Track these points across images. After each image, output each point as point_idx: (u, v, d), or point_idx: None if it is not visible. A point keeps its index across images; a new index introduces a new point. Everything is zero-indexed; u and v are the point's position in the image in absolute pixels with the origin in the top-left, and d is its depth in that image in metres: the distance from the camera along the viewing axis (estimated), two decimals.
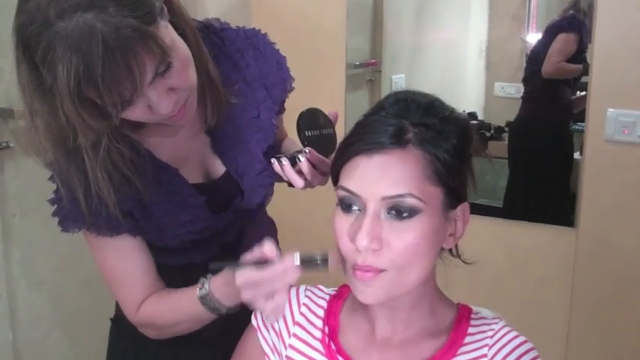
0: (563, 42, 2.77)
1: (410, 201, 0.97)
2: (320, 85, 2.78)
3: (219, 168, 1.36)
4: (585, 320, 2.51)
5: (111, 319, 1.50)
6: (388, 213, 0.98)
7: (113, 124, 1.09)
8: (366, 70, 3.08)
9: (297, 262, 1.07)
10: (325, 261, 1.07)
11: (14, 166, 2.03)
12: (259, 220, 1.47)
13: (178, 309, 1.27)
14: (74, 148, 1.14)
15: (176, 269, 1.34)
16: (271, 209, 1.54)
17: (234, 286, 1.12)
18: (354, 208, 1.01)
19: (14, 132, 2.00)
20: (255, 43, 1.40)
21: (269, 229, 1.52)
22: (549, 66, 2.81)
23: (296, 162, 1.24)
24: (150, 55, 1.02)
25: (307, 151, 1.24)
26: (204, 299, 1.22)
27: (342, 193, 1.02)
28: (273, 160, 1.26)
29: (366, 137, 1.00)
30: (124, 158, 1.18)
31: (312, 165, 1.24)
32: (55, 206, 1.25)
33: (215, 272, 1.20)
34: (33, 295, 2.15)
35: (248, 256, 1.11)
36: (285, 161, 1.24)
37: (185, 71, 1.13)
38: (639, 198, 2.35)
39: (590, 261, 2.46)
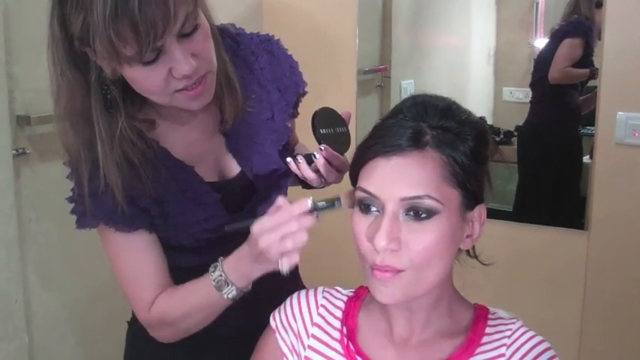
0: (569, 47, 2.78)
1: (428, 202, 0.99)
2: (331, 91, 2.79)
3: (233, 168, 1.38)
4: (598, 322, 2.51)
5: (128, 322, 1.51)
6: (406, 214, 1.00)
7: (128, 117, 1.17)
8: (375, 75, 3.09)
9: (310, 204, 1.08)
10: (337, 200, 1.08)
11: (30, 172, 2.05)
12: None
13: (191, 298, 1.27)
14: (90, 139, 1.19)
15: (189, 271, 1.34)
16: None
17: (247, 258, 1.14)
18: (373, 209, 1.03)
19: (30, 138, 2.02)
20: (269, 47, 1.43)
21: None
22: (555, 71, 2.81)
23: (312, 160, 1.26)
24: (179, 1, 1.07)
25: (323, 147, 1.26)
26: (217, 281, 1.21)
27: (361, 194, 1.03)
28: (289, 159, 1.28)
29: (385, 140, 1.02)
30: (134, 146, 1.21)
31: (328, 162, 1.27)
32: (73, 204, 1.28)
33: (231, 233, 1.20)
34: (49, 300, 2.17)
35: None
36: (301, 159, 1.26)
37: (207, 42, 1.17)
38: None
39: (602, 263, 2.47)
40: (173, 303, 1.29)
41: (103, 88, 1.17)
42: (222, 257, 1.22)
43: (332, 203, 1.09)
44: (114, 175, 1.19)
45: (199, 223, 1.31)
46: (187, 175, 1.31)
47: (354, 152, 1.09)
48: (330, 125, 1.31)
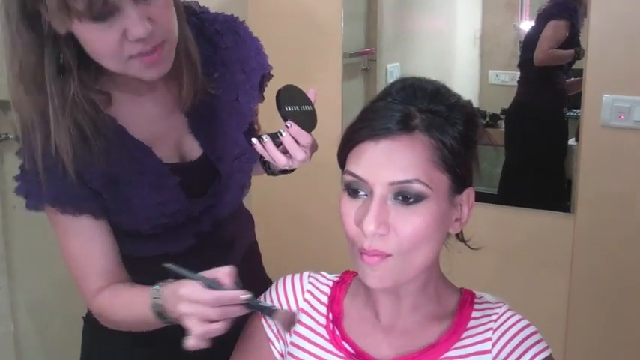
0: (554, 29, 2.78)
1: (417, 187, 0.98)
2: (316, 75, 2.77)
3: (195, 150, 1.35)
4: (584, 304, 2.52)
5: (84, 317, 1.46)
6: (395, 199, 0.99)
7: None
8: (361, 59, 3.07)
9: (244, 299, 1.04)
10: (272, 310, 1.07)
11: (14, 158, 2.01)
12: (236, 213, 1.46)
13: (129, 309, 1.22)
14: (43, 106, 1.16)
15: (152, 261, 1.27)
16: (253, 205, 1.53)
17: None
18: (361, 193, 1.02)
19: (14, 123, 1.99)
20: (234, 27, 1.40)
21: (246, 222, 1.51)
22: (540, 53, 2.81)
23: (277, 139, 1.21)
24: None
25: (289, 125, 1.21)
26: (154, 304, 1.15)
27: (349, 178, 1.03)
28: (254, 140, 1.22)
29: (373, 123, 1.01)
30: (86, 116, 1.18)
31: (295, 140, 1.21)
32: (19, 183, 1.25)
33: (169, 272, 1.14)
34: (34, 286, 2.15)
35: (206, 272, 1.07)
36: (266, 139, 1.20)
37: (168, 10, 1.15)
38: (635, 183, 2.36)
39: (588, 246, 2.47)
40: (112, 307, 1.26)
41: (56, 50, 1.14)
42: (169, 280, 1.15)
43: (266, 310, 1.07)
44: (64, 142, 1.16)
45: (157, 207, 1.27)
46: (144, 156, 1.27)
47: (342, 135, 1.08)
48: (295, 103, 1.25)
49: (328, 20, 2.84)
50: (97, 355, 1.44)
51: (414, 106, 1.01)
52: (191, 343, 1.05)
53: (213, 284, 1.05)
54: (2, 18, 1.13)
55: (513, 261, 2.65)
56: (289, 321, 1.12)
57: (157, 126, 1.31)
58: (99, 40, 1.11)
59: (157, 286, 1.16)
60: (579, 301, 2.53)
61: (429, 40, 3.35)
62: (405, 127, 0.99)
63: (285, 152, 1.22)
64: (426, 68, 3.24)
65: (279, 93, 1.25)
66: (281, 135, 1.21)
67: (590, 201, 2.45)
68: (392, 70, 3.11)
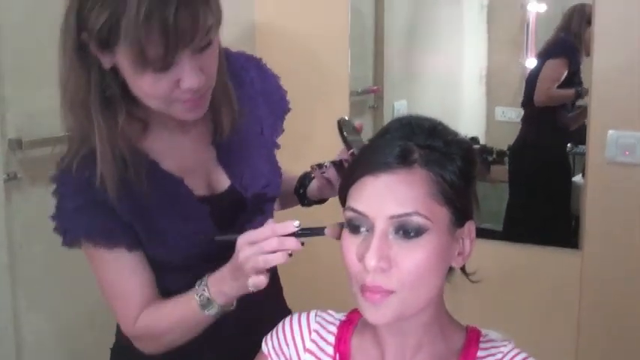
0: (552, 68, 2.78)
1: (417, 220, 0.98)
2: (324, 113, 2.79)
3: (223, 181, 1.38)
4: (593, 342, 2.50)
5: (111, 349, 1.47)
6: (396, 233, 0.99)
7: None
8: (368, 97, 3.09)
9: (296, 226, 1.12)
10: (322, 229, 1.11)
11: (21, 197, 2.03)
12: None
13: (174, 311, 1.28)
14: (89, 134, 1.20)
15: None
16: None
17: (227, 276, 1.20)
18: (362, 229, 1.02)
19: (22, 162, 2.01)
20: (257, 63, 1.47)
21: None
22: (540, 94, 2.81)
23: (342, 165, 1.30)
24: (208, 15, 1.11)
25: (355, 152, 1.27)
26: (200, 297, 1.23)
27: (349, 214, 1.03)
28: (313, 167, 1.35)
29: (373, 158, 1.02)
30: (128, 144, 1.23)
31: None
32: (56, 221, 1.28)
33: (220, 243, 1.23)
34: (39, 326, 2.15)
35: None
36: (328, 164, 1.30)
37: (216, 60, 1.20)
38: None
39: (596, 282, 2.46)
40: (158, 317, 1.29)
41: (102, 82, 1.18)
42: (209, 273, 1.24)
43: (317, 231, 1.11)
44: (110, 171, 1.20)
45: (188, 237, 1.30)
46: (176, 188, 1.31)
47: (344, 173, 1.09)
48: (351, 133, 1.33)
49: (335, 58, 2.87)
50: None
51: (413, 141, 1.02)
52: (251, 284, 1.15)
53: None
54: (60, 46, 1.17)
55: (520, 297, 2.63)
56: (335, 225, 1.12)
57: (189, 159, 1.35)
58: (152, 85, 1.14)
59: (199, 281, 1.24)
60: (588, 338, 2.51)
61: (436, 78, 3.36)
62: (404, 161, 1.00)
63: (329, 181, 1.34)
64: (432, 105, 3.25)
65: (340, 122, 1.30)
66: (345, 162, 1.30)
67: (597, 237, 2.45)
68: (399, 108, 3.12)
